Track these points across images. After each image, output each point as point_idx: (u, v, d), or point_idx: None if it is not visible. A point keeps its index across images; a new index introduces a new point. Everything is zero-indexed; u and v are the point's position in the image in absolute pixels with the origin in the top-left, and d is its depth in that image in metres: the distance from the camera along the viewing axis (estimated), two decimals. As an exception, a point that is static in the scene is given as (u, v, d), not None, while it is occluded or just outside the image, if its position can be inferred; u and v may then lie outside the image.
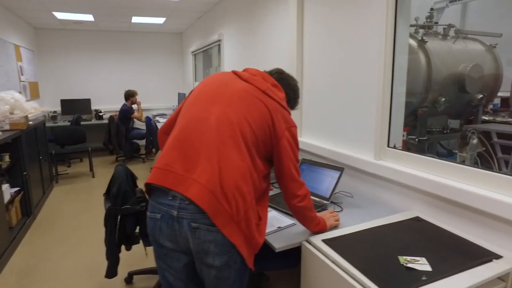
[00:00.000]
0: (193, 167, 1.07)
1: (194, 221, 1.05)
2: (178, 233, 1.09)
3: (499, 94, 5.81)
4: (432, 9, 4.26)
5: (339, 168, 1.80)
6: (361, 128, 1.91)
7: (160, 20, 5.79)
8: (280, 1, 2.65)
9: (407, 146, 1.70)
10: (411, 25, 4.08)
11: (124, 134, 5.83)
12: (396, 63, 1.73)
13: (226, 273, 1.11)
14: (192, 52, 6.09)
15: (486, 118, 4.75)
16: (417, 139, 1.69)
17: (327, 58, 2.17)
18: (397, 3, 1.68)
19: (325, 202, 1.77)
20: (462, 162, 1.44)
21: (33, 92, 5.82)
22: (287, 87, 1.35)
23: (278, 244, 1.34)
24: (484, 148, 2.27)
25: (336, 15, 2.04)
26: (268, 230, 1.49)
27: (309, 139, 2.44)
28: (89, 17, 5.43)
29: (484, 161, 4.16)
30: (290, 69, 2.50)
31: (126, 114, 5.81)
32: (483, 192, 1.27)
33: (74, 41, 6.63)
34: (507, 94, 5.43)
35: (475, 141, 1.60)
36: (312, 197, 1.83)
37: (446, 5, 8.30)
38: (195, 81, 6.23)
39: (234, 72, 1.26)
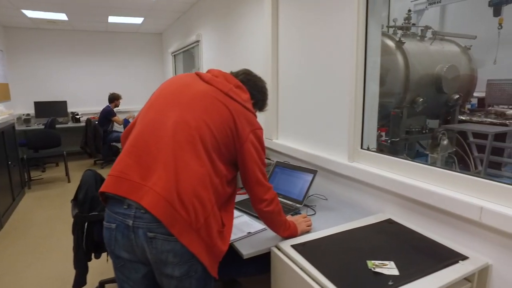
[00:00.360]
0: (149, 174, 1.02)
1: (150, 230, 1.00)
2: (135, 243, 1.04)
3: (476, 94, 5.97)
4: (409, 10, 4.33)
5: (312, 171, 1.79)
6: (335, 130, 1.90)
7: (138, 20, 5.69)
8: (256, 2, 2.62)
9: (381, 148, 1.69)
10: (390, 27, 4.14)
11: (102, 137, 5.69)
12: (368, 64, 1.72)
13: (187, 283, 1.07)
14: (172, 53, 6.00)
15: (464, 118, 4.87)
16: (389, 141, 1.69)
17: (302, 59, 2.15)
18: (368, 4, 1.68)
19: (298, 205, 1.74)
20: (434, 164, 1.45)
21: (2, 94, 5.60)
22: (253, 88, 1.32)
23: (247, 250, 1.31)
24: (454, 149, 2.29)
25: (310, 16, 2.03)
26: (238, 235, 1.45)
27: (286, 141, 2.42)
28: (62, 16, 5.27)
29: (461, 160, 4.26)
30: (265, 70, 2.48)
31: (107, 115, 5.69)
32: (451, 193, 1.28)
33: (48, 41, 6.42)
34: (484, 95, 5.57)
35: (445, 142, 1.61)
36: (285, 201, 1.80)
37: (426, 7, 8.50)
38: (175, 82, 6.13)
39: (197, 74, 1.22)
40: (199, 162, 1.04)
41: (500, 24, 6.68)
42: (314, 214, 1.67)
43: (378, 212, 1.65)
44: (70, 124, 6.33)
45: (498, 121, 4.52)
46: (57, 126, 6.01)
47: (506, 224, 1.07)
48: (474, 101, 5.58)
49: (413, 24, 4.24)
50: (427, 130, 4.41)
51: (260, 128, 1.21)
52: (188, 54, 5.54)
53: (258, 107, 1.39)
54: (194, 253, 1.02)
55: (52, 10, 4.85)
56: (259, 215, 1.26)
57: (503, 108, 4.80)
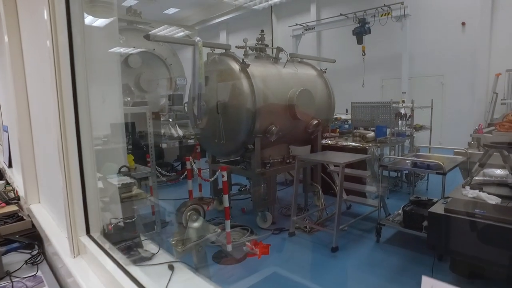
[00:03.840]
0: None
1: None
2: None
3: (346, 117, 6.06)
4: (262, 31, 4.15)
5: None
6: (58, 203, 1.31)
7: None
8: None
9: (109, 233, 1.15)
10: (238, 47, 3.86)
11: None
12: (84, 110, 1.19)
13: None
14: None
15: (330, 142, 4.83)
16: (121, 221, 1.15)
17: (41, 96, 1.56)
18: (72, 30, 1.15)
19: None
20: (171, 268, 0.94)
21: None
22: None
23: None
24: (217, 233, 1.87)
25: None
26: None
27: (47, 208, 1.76)
28: None
29: (330, 188, 4.10)
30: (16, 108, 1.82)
31: None
32: None
33: None
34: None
35: (196, 224, 1.11)
36: None
37: (302, 32, 8.78)
38: None
39: None
40: None
41: (363, 51, 7.22)
42: None
43: None
44: None
45: (360, 144, 4.60)
46: None
47: None
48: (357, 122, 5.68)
49: (266, 45, 4.05)
50: (290, 159, 4.21)
51: None
52: None
53: None
54: None
55: None
56: None
57: (366, 130, 4.95)
